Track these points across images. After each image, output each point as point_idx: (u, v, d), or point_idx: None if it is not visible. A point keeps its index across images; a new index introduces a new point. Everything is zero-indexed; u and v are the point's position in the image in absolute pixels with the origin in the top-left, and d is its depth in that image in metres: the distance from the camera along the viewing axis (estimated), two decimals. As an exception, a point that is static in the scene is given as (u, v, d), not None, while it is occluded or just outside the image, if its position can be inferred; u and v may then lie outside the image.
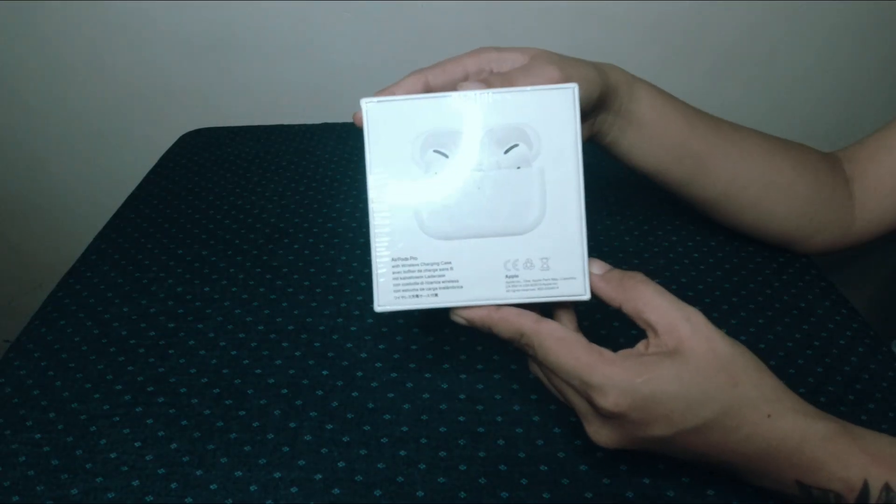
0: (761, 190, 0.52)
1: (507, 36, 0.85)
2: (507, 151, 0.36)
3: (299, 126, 0.83)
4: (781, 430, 0.33)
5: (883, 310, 1.05)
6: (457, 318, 0.36)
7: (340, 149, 0.77)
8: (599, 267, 0.37)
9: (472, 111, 0.36)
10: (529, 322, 0.34)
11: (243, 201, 0.67)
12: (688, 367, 0.33)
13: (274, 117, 0.88)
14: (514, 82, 0.38)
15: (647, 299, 0.35)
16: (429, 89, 0.42)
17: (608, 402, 0.32)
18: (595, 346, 0.34)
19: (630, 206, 0.65)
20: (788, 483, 0.34)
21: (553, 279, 0.36)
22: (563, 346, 0.34)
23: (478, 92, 0.36)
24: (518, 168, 0.36)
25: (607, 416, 0.33)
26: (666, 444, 0.34)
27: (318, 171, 0.73)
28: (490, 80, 0.38)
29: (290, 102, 0.91)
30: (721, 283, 0.55)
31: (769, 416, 0.33)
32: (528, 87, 0.36)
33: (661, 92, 0.49)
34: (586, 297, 0.36)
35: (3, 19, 0.86)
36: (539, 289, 0.36)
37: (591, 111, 0.45)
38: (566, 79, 0.40)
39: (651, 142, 0.48)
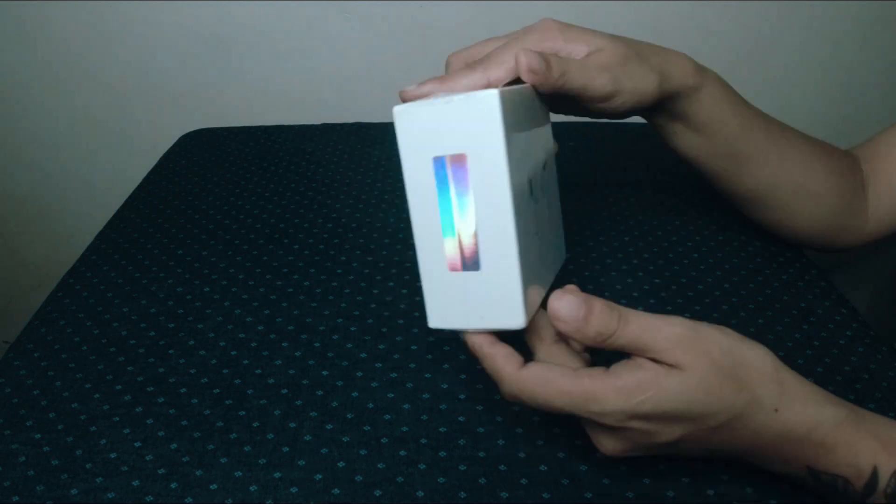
0: (791, 194, 0.52)
1: (507, 36, 0.84)
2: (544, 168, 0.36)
3: (299, 126, 0.83)
4: (790, 422, 0.33)
5: (883, 310, 1.05)
6: (467, 338, 0.36)
7: (340, 149, 0.77)
8: (569, 309, 0.32)
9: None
10: (510, 369, 0.33)
11: (243, 201, 0.67)
12: (690, 384, 0.31)
13: (274, 117, 0.88)
14: (568, 78, 0.37)
15: (632, 339, 0.32)
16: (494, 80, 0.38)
17: (611, 420, 0.32)
18: (583, 373, 0.32)
19: (630, 206, 0.65)
20: (798, 468, 0.34)
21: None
22: (549, 387, 0.32)
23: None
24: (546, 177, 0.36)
25: (611, 429, 0.33)
26: (672, 447, 0.34)
27: (318, 171, 0.73)
28: (551, 62, 0.36)
29: (290, 102, 0.91)
30: (721, 283, 0.55)
31: (776, 410, 0.33)
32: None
33: (724, 91, 0.47)
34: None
35: (3, 19, 0.85)
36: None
37: (637, 110, 0.44)
38: (616, 92, 0.40)
39: (699, 139, 0.48)
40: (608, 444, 0.34)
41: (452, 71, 0.39)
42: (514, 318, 0.33)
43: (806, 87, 0.89)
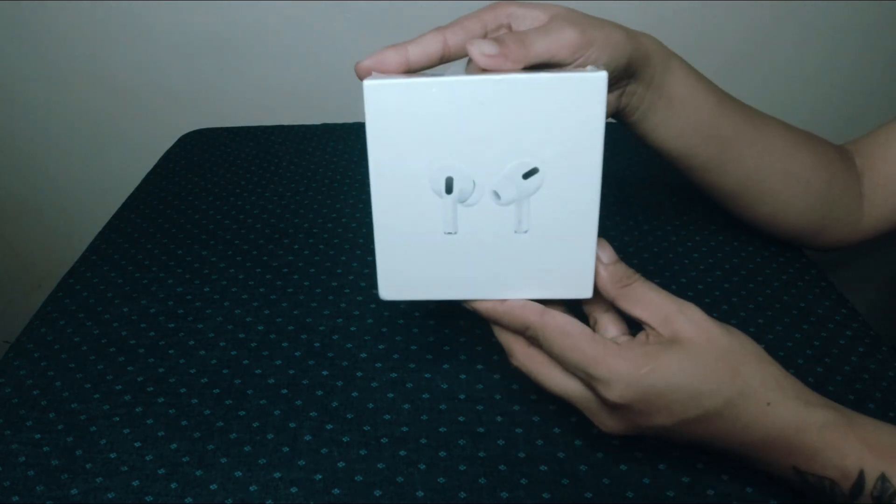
0: (780, 182, 0.51)
1: (507, 36, 0.84)
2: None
3: (299, 126, 0.83)
4: (780, 419, 0.33)
5: (883, 310, 1.05)
6: (467, 305, 0.37)
7: (340, 149, 0.77)
8: (608, 256, 0.37)
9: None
10: (534, 315, 0.35)
11: (243, 201, 0.67)
12: (689, 358, 0.33)
13: (274, 117, 0.88)
14: (530, 44, 0.35)
15: (641, 296, 0.35)
16: (447, 49, 0.38)
17: (613, 394, 0.33)
18: (599, 337, 0.34)
19: (630, 205, 0.65)
20: (785, 469, 0.34)
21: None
22: (567, 339, 0.34)
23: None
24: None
25: (612, 407, 0.34)
26: (667, 431, 0.34)
27: (318, 171, 0.73)
28: (504, 39, 0.34)
29: (290, 102, 0.91)
30: (721, 283, 0.55)
31: (768, 404, 0.33)
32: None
33: (693, 69, 0.47)
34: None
35: (3, 19, 0.86)
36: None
37: (620, 80, 0.42)
38: (587, 42, 0.37)
39: (680, 119, 0.46)
40: (609, 422, 0.35)
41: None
42: (378, 288, 0.36)
43: (806, 87, 0.89)
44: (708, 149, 0.48)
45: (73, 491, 0.39)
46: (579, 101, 0.32)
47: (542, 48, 0.35)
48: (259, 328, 0.51)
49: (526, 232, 0.35)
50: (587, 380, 0.34)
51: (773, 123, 0.51)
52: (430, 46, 0.37)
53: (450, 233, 0.35)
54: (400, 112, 0.32)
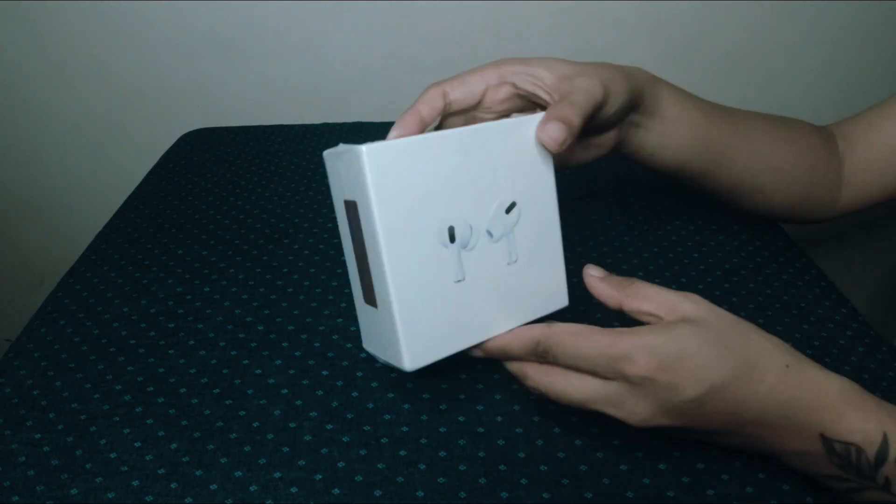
0: (767, 175, 0.54)
1: (508, 36, 0.85)
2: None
3: (299, 126, 0.83)
4: (801, 380, 0.34)
5: (883, 310, 1.05)
6: (476, 352, 0.38)
7: (340, 149, 0.77)
8: (598, 270, 0.38)
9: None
10: (539, 330, 0.36)
11: (243, 201, 0.67)
12: (702, 327, 0.34)
13: (274, 117, 0.88)
14: (580, 116, 0.38)
15: (645, 292, 0.37)
16: (448, 103, 0.41)
17: (638, 366, 0.33)
18: (608, 328, 0.34)
19: (629, 206, 0.65)
20: (811, 438, 0.34)
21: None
22: (579, 337, 0.34)
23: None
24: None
25: (639, 384, 0.33)
26: (699, 407, 0.34)
27: (318, 171, 0.73)
28: (560, 126, 0.37)
29: (290, 102, 0.91)
30: (721, 284, 0.55)
31: (787, 366, 0.34)
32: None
33: (677, 88, 0.50)
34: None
35: (3, 19, 0.86)
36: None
37: (623, 115, 0.45)
38: (607, 94, 0.41)
39: (675, 138, 0.49)
40: (638, 409, 0.34)
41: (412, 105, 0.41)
42: (401, 360, 0.35)
43: (806, 87, 0.89)
44: (702, 159, 0.51)
45: (73, 491, 0.39)
46: (532, 137, 0.37)
47: (589, 105, 0.40)
48: (259, 328, 0.51)
49: (516, 261, 0.38)
50: (609, 365, 0.34)
51: (756, 122, 0.54)
52: (435, 102, 0.41)
53: (459, 280, 0.36)
54: (399, 171, 0.33)
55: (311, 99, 0.90)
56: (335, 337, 0.50)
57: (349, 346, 0.49)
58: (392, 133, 0.38)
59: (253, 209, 0.66)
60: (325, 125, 0.84)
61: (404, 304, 0.34)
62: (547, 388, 0.36)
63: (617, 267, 0.56)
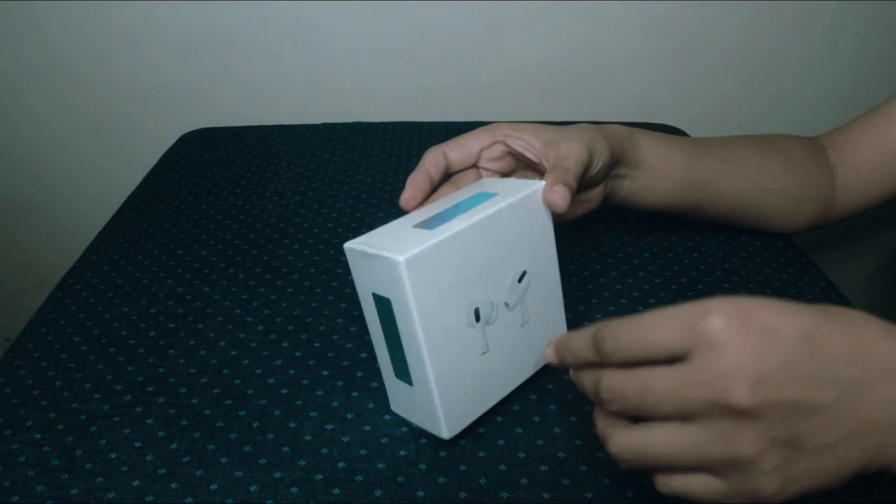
0: (759, 196, 0.56)
1: (507, 36, 0.85)
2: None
3: (299, 126, 0.83)
4: None
5: (883, 310, 1.05)
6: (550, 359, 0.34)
7: (340, 149, 0.78)
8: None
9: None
10: (593, 328, 0.31)
11: (243, 201, 0.67)
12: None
13: (274, 117, 0.88)
14: (573, 177, 0.41)
15: (630, 325, 0.29)
16: (448, 163, 0.46)
17: (731, 354, 0.26)
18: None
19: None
20: None
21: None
22: (635, 322, 0.28)
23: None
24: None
25: (752, 407, 0.26)
26: (836, 416, 0.27)
27: (318, 171, 0.73)
28: (564, 186, 0.40)
29: (290, 102, 0.91)
30: (721, 283, 0.55)
31: (885, 330, 0.28)
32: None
33: (654, 134, 0.52)
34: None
35: (3, 19, 0.86)
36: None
37: (608, 171, 0.47)
38: (591, 155, 0.44)
39: (660, 182, 0.51)
40: (767, 467, 0.27)
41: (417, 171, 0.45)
42: (440, 431, 0.39)
43: (805, 87, 0.89)
44: (691, 196, 0.53)
45: (73, 491, 0.39)
46: (537, 207, 0.40)
47: (580, 173, 0.43)
48: (259, 328, 0.51)
49: (528, 322, 0.42)
50: (689, 358, 0.27)
51: (741, 148, 0.55)
52: (438, 162, 0.45)
53: (484, 353, 0.39)
54: (430, 270, 0.36)
55: (311, 99, 0.90)
56: (335, 337, 0.50)
57: (349, 346, 0.49)
58: (407, 192, 0.43)
59: (253, 209, 0.66)
60: (325, 125, 0.84)
61: (441, 384, 0.37)
62: (636, 446, 0.30)
63: (617, 267, 0.56)
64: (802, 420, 0.27)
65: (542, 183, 0.40)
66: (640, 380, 0.28)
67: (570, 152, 0.43)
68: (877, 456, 0.28)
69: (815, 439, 0.27)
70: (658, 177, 0.51)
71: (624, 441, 0.30)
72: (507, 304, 0.40)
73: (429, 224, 0.38)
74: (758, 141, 0.56)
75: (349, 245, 0.37)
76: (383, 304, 0.37)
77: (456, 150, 0.46)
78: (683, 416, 0.27)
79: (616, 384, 0.29)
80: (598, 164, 0.45)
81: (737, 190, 0.54)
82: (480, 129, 0.47)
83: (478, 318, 0.38)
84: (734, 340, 0.26)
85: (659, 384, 0.28)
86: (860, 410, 0.27)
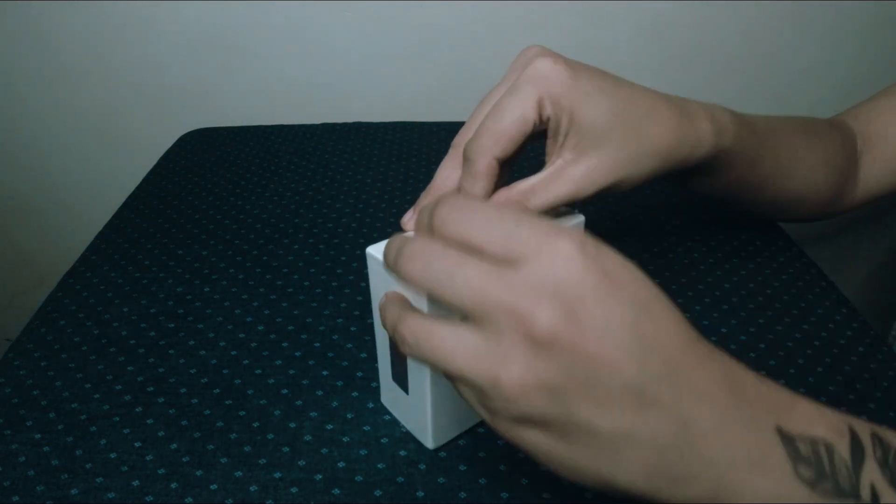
0: (800, 186, 0.53)
1: (507, 36, 0.85)
2: None
3: (299, 126, 0.83)
4: (735, 364, 0.26)
5: (883, 310, 1.05)
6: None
7: (340, 149, 0.77)
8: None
9: None
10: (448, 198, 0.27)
11: (243, 201, 0.67)
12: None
13: (274, 117, 0.88)
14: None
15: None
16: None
17: (560, 274, 0.24)
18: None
19: (628, 206, 0.65)
20: (767, 439, 0.25)
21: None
22: (485, 210, 0.26)
23: None
24: None
25: (547, 334, 0.23)
26: (627, 406, 0.24)
27: (318, 171, 0.73)
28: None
29: (290, 102, 0.91)
30: (721, 283, 0.55)
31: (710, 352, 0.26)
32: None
33: (739, 131, 0.45)
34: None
35: (3, 19, 0.85)
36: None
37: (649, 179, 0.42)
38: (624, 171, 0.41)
39: (729, 186, 0.49)
40: (519, 409, 0.24)
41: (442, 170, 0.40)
42: (427, 440, 0.40)
43: (805, 87, 0.89)
44: (744, 194, 0.52)
45: (73, 491, 0.39)
46: None
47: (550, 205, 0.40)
48: (259, 328, 0.51)
49: None
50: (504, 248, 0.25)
51: (795, 136, 0.52)
52: (453, 173, 0.40)
53: None
54: None
55: (311, 99, 0.90)
56: (335, 337, 0.50)
57: (349, 346, 0.49)
58: (408, 214, 0.40)
59: (253, 209, 0.66)
60: (325, 125, 0.84)
61: (437, 402, 0.38)
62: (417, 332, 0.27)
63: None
64: (588, 384, 0.23)
65: (581, 218, 0.40)
66: (455, 257, 0.25)
67: (574, 176, 0.37)
68: (714, 495, 0.24)
69: (589, 413, 0.23)
70: (725, 180, 0.48)
71: (413, 324, 0.27)
72: None
73: None
74: (807, 130, 0.53)
75: (371, 251, 0.37)
76: None
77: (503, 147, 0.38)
78: (477, 315, 0.25)
79: (430, 250, 0.26)
80: (633, 181, 0.40)
81: (783, 183, 0.52)
82: (523, 85, 0.37)
83: None
84: (573, 267, 0.24)
85: (473, 270, 0.25)
86: (665, 432, 0.24)
